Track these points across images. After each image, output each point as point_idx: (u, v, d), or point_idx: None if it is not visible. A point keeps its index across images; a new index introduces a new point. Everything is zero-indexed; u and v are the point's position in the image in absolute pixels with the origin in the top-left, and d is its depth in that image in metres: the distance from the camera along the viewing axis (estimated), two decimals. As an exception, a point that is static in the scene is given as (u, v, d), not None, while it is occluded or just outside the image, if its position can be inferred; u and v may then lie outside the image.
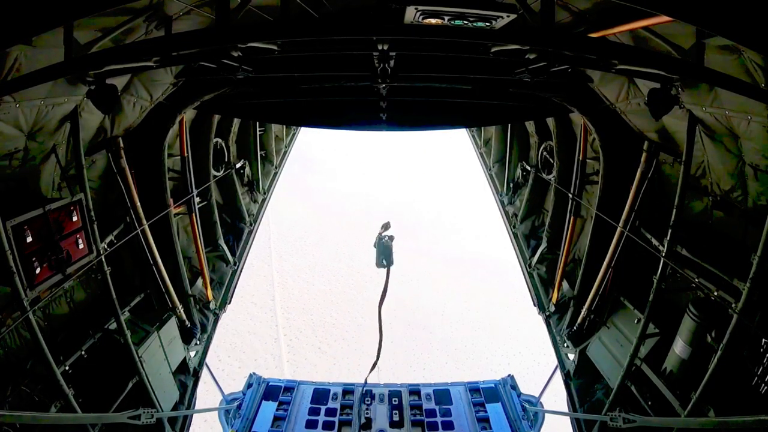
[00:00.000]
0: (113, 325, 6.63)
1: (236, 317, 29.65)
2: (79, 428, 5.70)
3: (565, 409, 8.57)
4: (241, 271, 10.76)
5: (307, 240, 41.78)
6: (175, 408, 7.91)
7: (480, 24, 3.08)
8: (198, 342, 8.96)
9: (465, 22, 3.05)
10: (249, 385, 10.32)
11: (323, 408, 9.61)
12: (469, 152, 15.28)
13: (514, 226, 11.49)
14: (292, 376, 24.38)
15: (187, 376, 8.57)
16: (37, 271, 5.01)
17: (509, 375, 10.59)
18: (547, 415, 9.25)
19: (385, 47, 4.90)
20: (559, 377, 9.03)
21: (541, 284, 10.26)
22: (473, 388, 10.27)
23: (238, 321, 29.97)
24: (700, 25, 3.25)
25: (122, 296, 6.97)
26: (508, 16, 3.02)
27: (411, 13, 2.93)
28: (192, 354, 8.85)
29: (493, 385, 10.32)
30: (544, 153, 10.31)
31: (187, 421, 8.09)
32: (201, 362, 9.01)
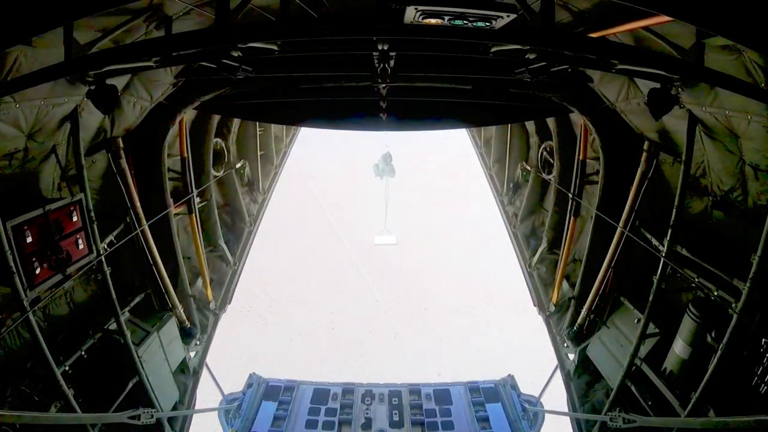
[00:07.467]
0: (113, 325, 6.62)
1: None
2: (79, 428, 5.69)
3: (565, 409, 8.57)
4: (241, 272, 10.76)
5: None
6: (175, 408, 7.91)
7: (480, 24, 3.08)
8: (198, 342, 8.96)
9: (465, 22, 3.04)
10: (249, 385, 10.31)
11: (323, 408, 9.60)
12: (470, 152, 15.29)
13: (514, 226, 11.49)
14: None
15: (187, 376, 8.57)
16: (37, 271, 5.01)
17: (509, 375, 10.57)
18: (547, 415, 9.26)
19: (385, 47, 4.89)
20: (559, 377, 9.03)
21: (541, 284, 10.26)
22: (473, 388, 10.25)
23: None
24: (700, 25, 3.24)
25: (122, 296, 6.97)
26: (508, 16, 3.01)
27: (411, 13, 2.92)
28: (192, 354, 8.85)
29: (493, 385, 10.31)
30: (544, 153, 10.31)
31: (187, 421, 8.09)
32: (201, 362, 9.01)
